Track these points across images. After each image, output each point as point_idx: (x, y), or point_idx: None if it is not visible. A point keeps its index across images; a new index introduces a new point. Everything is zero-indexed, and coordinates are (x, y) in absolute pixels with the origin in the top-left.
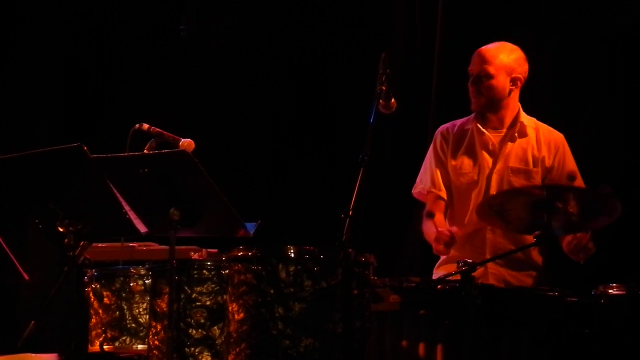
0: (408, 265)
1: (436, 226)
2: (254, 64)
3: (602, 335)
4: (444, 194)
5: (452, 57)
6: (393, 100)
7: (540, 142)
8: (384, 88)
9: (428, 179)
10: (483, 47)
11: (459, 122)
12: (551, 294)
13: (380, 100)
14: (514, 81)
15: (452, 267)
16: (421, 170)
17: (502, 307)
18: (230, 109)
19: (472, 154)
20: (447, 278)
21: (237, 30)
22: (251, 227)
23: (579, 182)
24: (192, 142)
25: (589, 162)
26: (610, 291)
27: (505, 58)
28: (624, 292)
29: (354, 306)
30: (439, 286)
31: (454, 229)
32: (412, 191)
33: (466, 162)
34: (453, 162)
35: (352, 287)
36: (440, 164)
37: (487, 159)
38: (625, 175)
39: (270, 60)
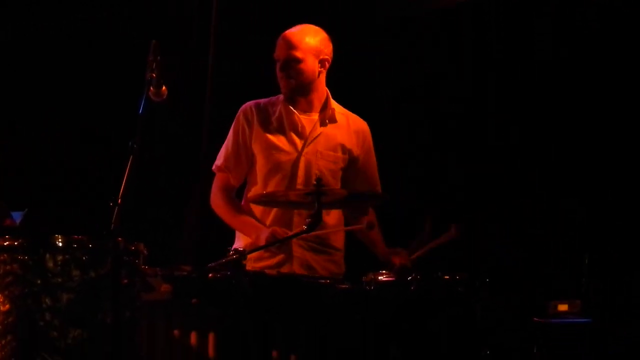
0: (183, 254)
1: (263, 225)
2: (29, 53)
3: (371, 320)
4: (231, 175)
5: (228, 44)
6: (164, 87)
7: (350, 130)
8: (154, 75)
9: (222, 156)
10: (287, 32)
11: (262, 101)
12: (322, 282)
13: (151, 88)
14: (322, 63)
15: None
16: (222, 146)
17: (273, 295)
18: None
19: (282, 134)
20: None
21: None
22: (17, 216)
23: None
24: None
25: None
26: (380, 278)
27: (311, 41)
28: (393, 279)
29: (124, 296)
30: (210, 275)
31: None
32: (212, 166)
33: (274, 143)
34: (260, 142)
35: (122, 277)
36: (238, 144)
37: (297, 142)
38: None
39: (44, 46)
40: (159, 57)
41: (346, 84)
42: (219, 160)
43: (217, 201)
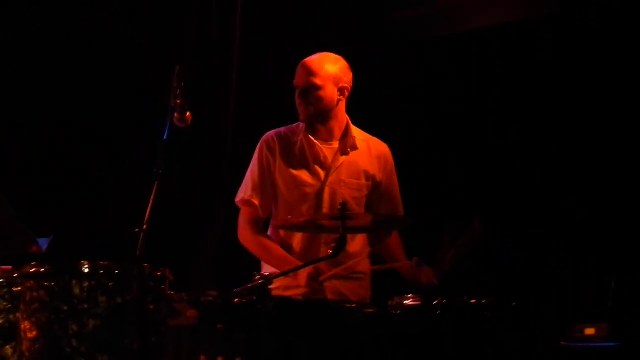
0: (204, 278)
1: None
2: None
3: (397, 344)
4: (259, 206)
5: (250, 70)
6: (188, 113)
7: (372, 156)
8: (178, 102)
9: (248, 188)
10: (307, 59)
11: (283, 130)
12: (349, 306)
13: (175, 114)
14: (341, 91)
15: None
16: (244, 179)
17: (299, 320)
18: (24, 121)
19: (304, 167)
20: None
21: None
22: (44, 242)
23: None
24: None
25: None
26: (405, 302)
27: (331, 68)
28: (419, 303)
29: (150, 322)
30: (236, 300)
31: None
32: (235, 199)
33: (298, 175)
34: (284, 174)
35: (148, 303)
36: (264, 175)
37: (320, 172)
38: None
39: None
40: (183, 83)
41: None
42: (245, 193)
43: (246, 236)
